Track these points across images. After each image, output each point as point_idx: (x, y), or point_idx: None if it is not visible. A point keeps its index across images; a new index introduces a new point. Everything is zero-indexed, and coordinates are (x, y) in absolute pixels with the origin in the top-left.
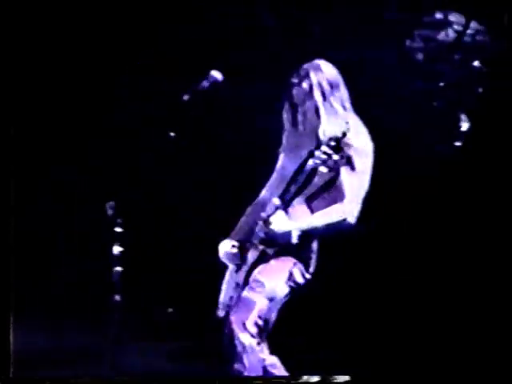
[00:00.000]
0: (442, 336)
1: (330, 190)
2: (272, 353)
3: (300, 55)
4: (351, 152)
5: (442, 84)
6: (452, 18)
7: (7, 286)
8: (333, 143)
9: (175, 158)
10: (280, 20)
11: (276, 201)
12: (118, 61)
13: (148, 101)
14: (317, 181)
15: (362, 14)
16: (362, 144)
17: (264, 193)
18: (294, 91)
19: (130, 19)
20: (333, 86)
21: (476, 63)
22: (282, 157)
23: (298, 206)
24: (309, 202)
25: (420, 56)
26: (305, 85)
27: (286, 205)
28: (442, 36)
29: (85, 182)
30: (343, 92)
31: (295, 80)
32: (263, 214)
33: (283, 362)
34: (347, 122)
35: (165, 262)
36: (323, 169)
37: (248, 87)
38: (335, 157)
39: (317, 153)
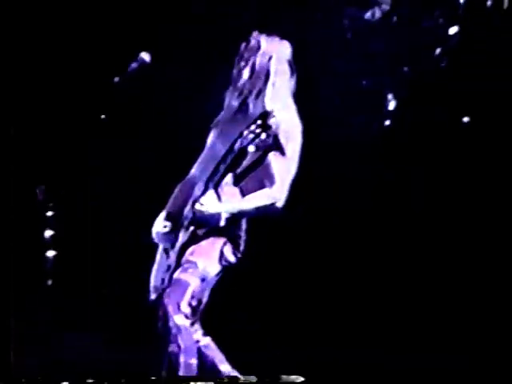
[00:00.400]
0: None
1: (259, 172)
2: (206, 333)
3: (228, 37)
4: (280, 136)
5: (369, 63)
6: None
7: None
8: (260, 121)
9: (107, 140)
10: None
11: (205, 181)
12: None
13: (78, 84)
14: (246, 162)
15: None
16: (291, 127)
17: (193, 171)
18: (252, 45)
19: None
20: (288, 63)
21: (403, 42)
22: (212, 133)
23: (227, 188)
24: (237, 183)
25: (348, 35)
26: (264, 44)
27: (215, 185)
28: (368, 15)
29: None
30: (292, 74)
31: (256, 38)
32: (192, 195)
33: (217, 343)
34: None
35: (97, 246)
36: (251, 148)
37: (177, 69)
38: (263, 135)
39: (245, 132)
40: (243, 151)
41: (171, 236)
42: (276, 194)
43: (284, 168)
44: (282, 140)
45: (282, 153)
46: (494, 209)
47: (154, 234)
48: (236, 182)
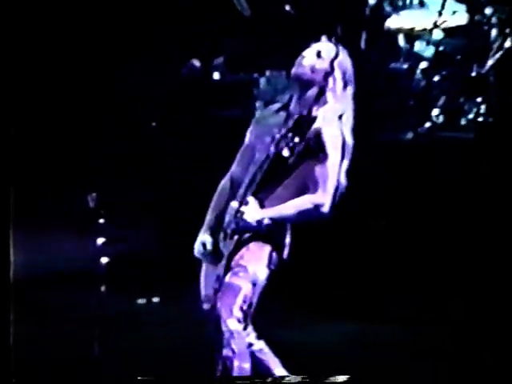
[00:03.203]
0: None
1: (301, 177)
2: (259, 337)
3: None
4: (325, 142)
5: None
6: None
7: None
8: (293, 126)
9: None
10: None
11: (244, 188)
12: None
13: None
14: (286, 166)
15: None
16: (334, 136)
17: (233, 169)
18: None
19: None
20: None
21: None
22: (251, 129)
23: (267, 194)
24: (277, 188)
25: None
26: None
27: (254, 192)
28: None
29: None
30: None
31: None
32: (233, 204)
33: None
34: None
35: (148, 253)
36: (286, 152)
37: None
38: (296, 139)
39: (277, 135)
40: (280, 156)
41: (212, 253)
42: (320, 199)
43: (327, 173)
44: (327, 147)
45: (325, 158)
46: None
47: (196, 252)
48: (276, 188)
